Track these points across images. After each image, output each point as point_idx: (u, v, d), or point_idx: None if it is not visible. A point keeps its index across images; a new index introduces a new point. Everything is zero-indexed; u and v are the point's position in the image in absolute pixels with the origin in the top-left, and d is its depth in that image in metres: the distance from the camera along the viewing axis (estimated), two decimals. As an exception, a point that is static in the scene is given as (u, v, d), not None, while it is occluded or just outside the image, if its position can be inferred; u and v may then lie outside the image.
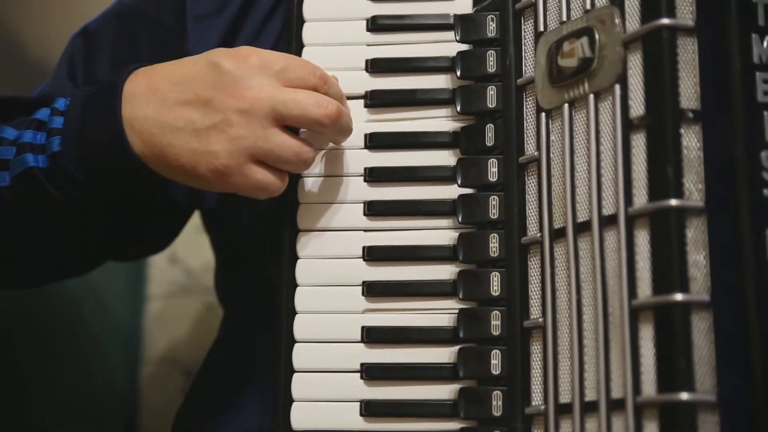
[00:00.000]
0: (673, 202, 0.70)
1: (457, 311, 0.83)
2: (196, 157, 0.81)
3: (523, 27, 0.85)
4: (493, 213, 0.83)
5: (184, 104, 0.81)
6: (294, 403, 0.84)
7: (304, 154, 0.83)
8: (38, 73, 1.03)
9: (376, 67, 0.89)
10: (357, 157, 0.88)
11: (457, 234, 0.84)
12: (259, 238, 0.97)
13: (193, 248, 1.08)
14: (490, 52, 0.86)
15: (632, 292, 0.72)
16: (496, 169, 0.84)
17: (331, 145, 0.88)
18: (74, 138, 0.84)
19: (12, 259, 0.94)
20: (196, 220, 1.14)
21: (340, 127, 0.84)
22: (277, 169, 0.82)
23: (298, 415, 0.84)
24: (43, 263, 0.96)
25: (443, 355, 0.83)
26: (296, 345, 0.85)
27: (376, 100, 0.89)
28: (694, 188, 0.71)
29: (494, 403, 0.80)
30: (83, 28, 1.00)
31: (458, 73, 0.86)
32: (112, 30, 0.99)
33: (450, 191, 0.85)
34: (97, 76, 0.97)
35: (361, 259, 0.86)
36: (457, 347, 0.82)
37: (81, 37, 1.00)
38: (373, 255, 0.86)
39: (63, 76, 0.98)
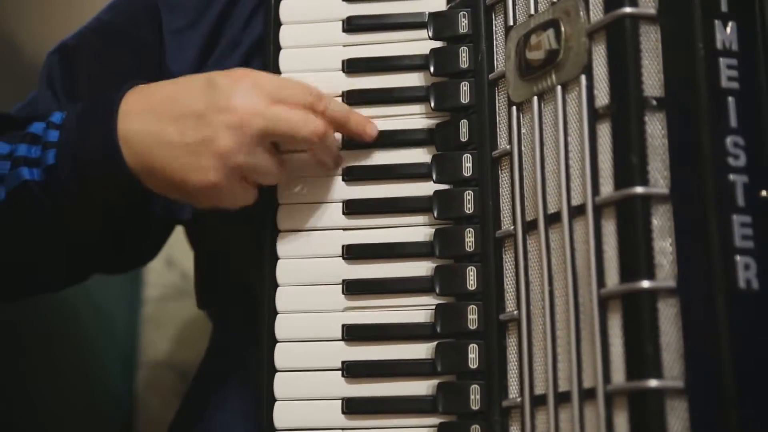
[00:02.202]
0: (639, 189, 0.70)
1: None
2: (185, 171, 0.82)
3: (494, 22, 0.85)
4: (468, 208, 0.83)
5: (177, 119, 0.82)
6: (276, 403, 0.85)
7: (284, 171, 0.85)
8: (35, 74, 1.04)
9: (352, 67, 0.90)
10: (335, 157, 0.89)
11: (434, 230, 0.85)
12: (240, 246, 0.97)
13: (189, 251, 1.09)
14: (462, 48, 0.86)
15: (601, 281, 0.71)
16: (470, 165, 0.84)
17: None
18: (69, 151, 0.85)
19: (3, 273, 0.95)
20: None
21: (327, 147, 0.85)
22: (253, 181, 0.84)
23: (280, 414, 0.84)
24: (33, 276, 0.97)
25: (423, 351, 0.83)
26: (278, 344, 0.86)
27: (353, 100, 0.89)
28: (659, 175, 0.71)
29: (472, 397, 0.80)
30: (60, 45, 1.01)
31: (432, 70, 0.87)
32: (89, 46, 1.00)
33: (427, 188, 0.86)
34: (78, 91, 0.98)
35: (341, 258, 0.86)
36: (434, 343, 0.82)
37: (57, 54, 1.01)
38: (353, 253, 0.86)
39: (45, 92, 1.00)
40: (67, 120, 0.87)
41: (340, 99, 0.89)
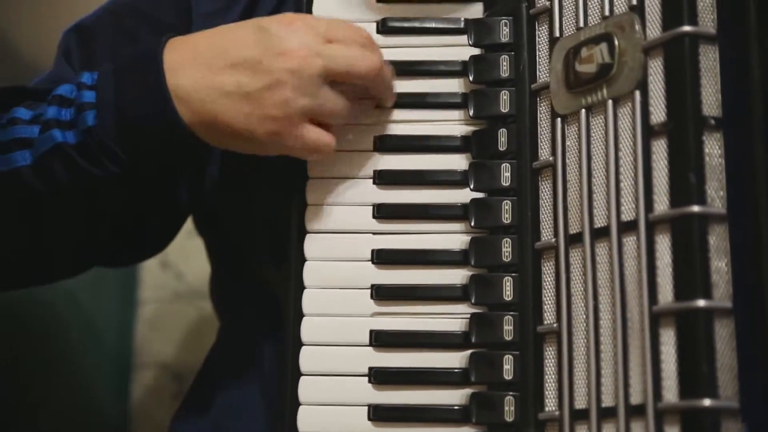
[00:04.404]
0: (696, 208, 0.70)
1: (467, 316, 0.82)
2: (251, 121, 0.80)
3: (537, 32, 0.84)
4: (506, 218, 0.83)
5: (231, 68, 0.80)
6: (301, 407, 0.83)
7: (350, 106, 0.84)
8: (30, 74, 1.01)
9: (386, 69, 0.89)
10: (367, 160, 0.87)
11: (468, 238, 0.84)
12: (261, 242, 0.96)
13: (184, 253, 1.07)
14: (503, 56, 0.86)
15: (653, 298, 0.71)
16: (508, 174, 0.84)
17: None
18: (111, 111, 0.82)
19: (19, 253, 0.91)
20: (188, 224, 1.13)
21: (385, 81, 0.85)
22: (324, 124, 0.83)
23: (304, 418, 0.83)
24: (46, 258, 0.93)
25: (453, 359, 0.83)
26: (303, 348, 0.84)
27: (386, 103, 0.88)
28: (715, 195, 0.71)
29: (506, 408, 0.80)
30: (76, 24, 0.99)
31: (471, 77, 0.86)
32: (109, 26, 0.98)
33: (461, 195, 0.85)
34: (97, 66, 0.95)
35: (370, 262, 0.85)
36: (466, 352, 0.82)
37: (75, 33, 0.98)
38: (383, 258, 0.85)
39: (62, 66, 0.97)
40: (101, 79, 0.84)
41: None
